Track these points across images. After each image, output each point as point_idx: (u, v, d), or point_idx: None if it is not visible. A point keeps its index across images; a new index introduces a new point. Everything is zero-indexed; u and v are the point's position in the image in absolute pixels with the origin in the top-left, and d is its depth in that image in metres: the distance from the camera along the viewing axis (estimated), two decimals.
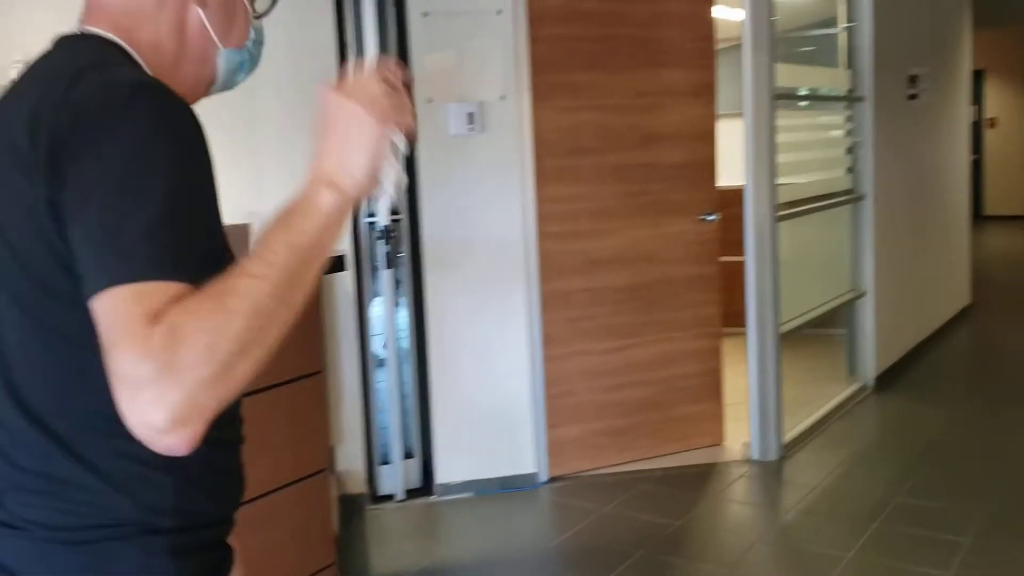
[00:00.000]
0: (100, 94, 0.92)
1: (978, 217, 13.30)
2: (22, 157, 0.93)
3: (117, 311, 0.84)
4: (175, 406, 0.81)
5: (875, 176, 5.20)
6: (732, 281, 4.36)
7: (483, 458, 3.91)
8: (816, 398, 4.93)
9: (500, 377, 3.90)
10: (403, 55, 3.72)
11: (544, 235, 3.88)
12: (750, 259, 4.15)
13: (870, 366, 5.35)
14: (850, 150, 5.18)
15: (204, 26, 1.11)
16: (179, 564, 1.01)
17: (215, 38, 1.12)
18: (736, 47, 4.28)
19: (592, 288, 4.01)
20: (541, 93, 3.82)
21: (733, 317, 4.43)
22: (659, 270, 4.13)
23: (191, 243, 0.90)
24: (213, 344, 0.83)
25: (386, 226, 3.70)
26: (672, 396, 4.23)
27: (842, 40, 5.20)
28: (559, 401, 3.99)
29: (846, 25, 5.11)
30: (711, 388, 4.31)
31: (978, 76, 12.96)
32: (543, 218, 3.87)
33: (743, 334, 4.28)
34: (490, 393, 3.89)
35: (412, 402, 3.96)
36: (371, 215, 3.75)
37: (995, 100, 13.37)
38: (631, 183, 4.03)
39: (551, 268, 3.92)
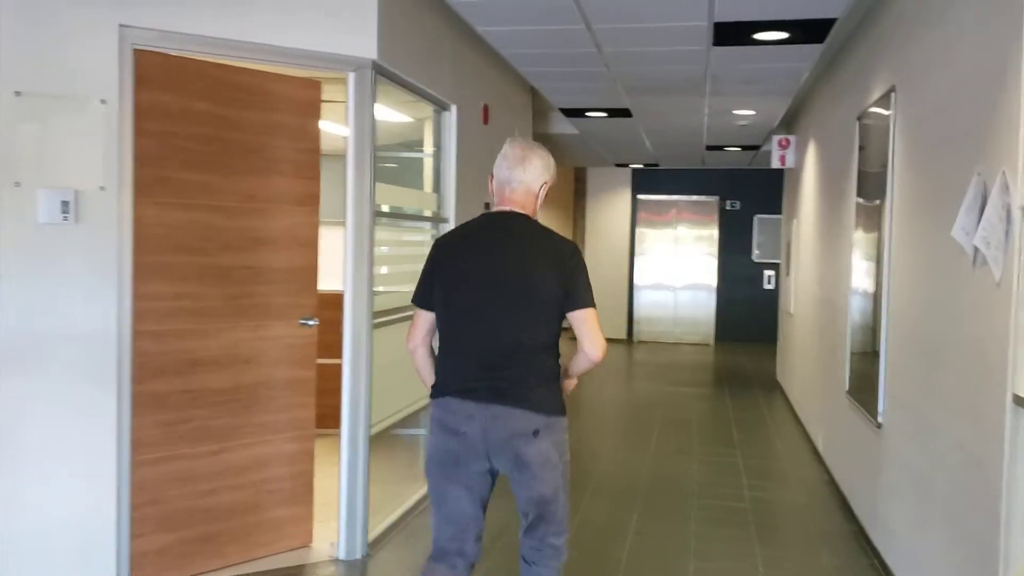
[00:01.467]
0: (568, 246, 2.92)
1: None
2: (558, 269, 2.83)
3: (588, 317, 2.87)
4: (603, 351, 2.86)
5: None
6: (326, 383, 4.50)
7: (55, 574, 3.57)
8: (397, 496, 5.19)
9: (79, 486, 3.62)
10: None
11: (140, 334, 3.74)
12: (347, 363, 4.34)
13: None
14: None
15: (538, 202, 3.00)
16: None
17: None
18: (337, 156, 4.55)
19: (190, 390, 3.92)
20: (145, 187, 3.73)
21: (325, 419, 4.56)
22: (258, 372, 4.16)
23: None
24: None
25: None
26: (264, 499, 4.23)
27: (428, 164, 5.73)
28: (146, 509, 3.80)
29: (432, 150, 5.66)
30: (302, 490, 4.37)
31: None
32: (140, 316, 3.74)
33: (334, 435, 4.42)
34: (67, 503, 3.59)
35: None
36: None
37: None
38: (234, 285, 4.05)
39: (146, 369, 3.77)
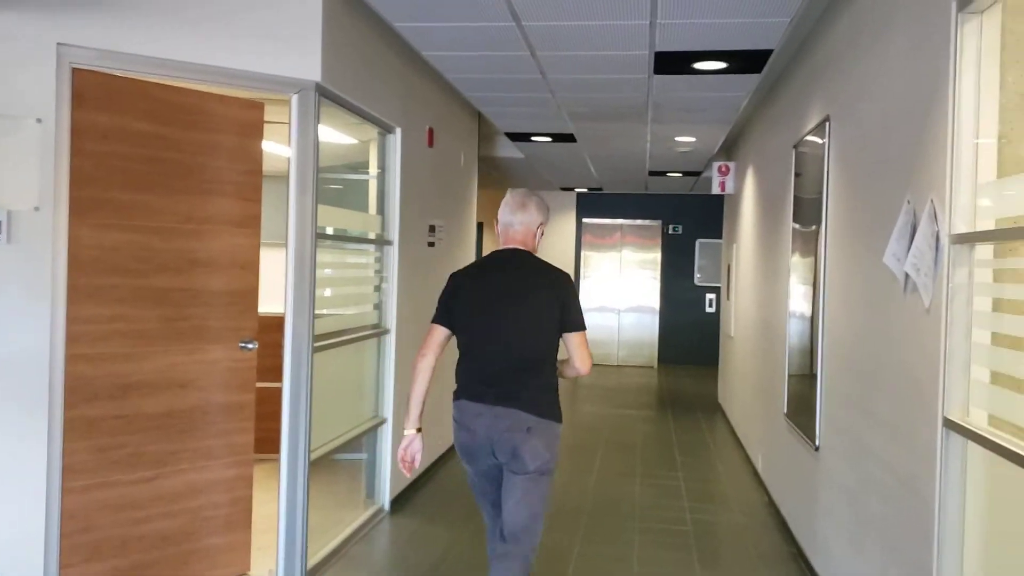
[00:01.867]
0: (563, 276, 3.52)
1: None
2: (554, 296, 3.41)
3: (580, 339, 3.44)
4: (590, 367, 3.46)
5: (398, 312, 5.71)
6: (266, 407, 4.44)
7: None
8: (337, 522, 5.13)
9: (7, 512, 3.51)
10: None
11: (73, 357, 3.65)
12: (287, 387, 4.29)
13: (386, 489, 5.72)
14: (377, 288, 5.63)
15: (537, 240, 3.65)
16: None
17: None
18: (280, 177, 4.51)
19: (123, 415, 3.83)
20: (81, 208, 3.66)
21: (265, 443, 4.49)
22: (195, 396, 4.08)
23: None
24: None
25: None
26: (200, 527, 4.14)
27: (372, 186, 5.71)
28: (76, 538, 3.69)
29: (376, 172, 5.65)
30: (240, 517, 4.29)
31: (479, 227, 14.75)
32: (73, 339, 3.65)
33: (273, 460, 4.36)
34: None
35: None
36: None
37: (490, 248, 15.32)
38: (172, 307, 3.98)
39: (79, 393, 3.68)
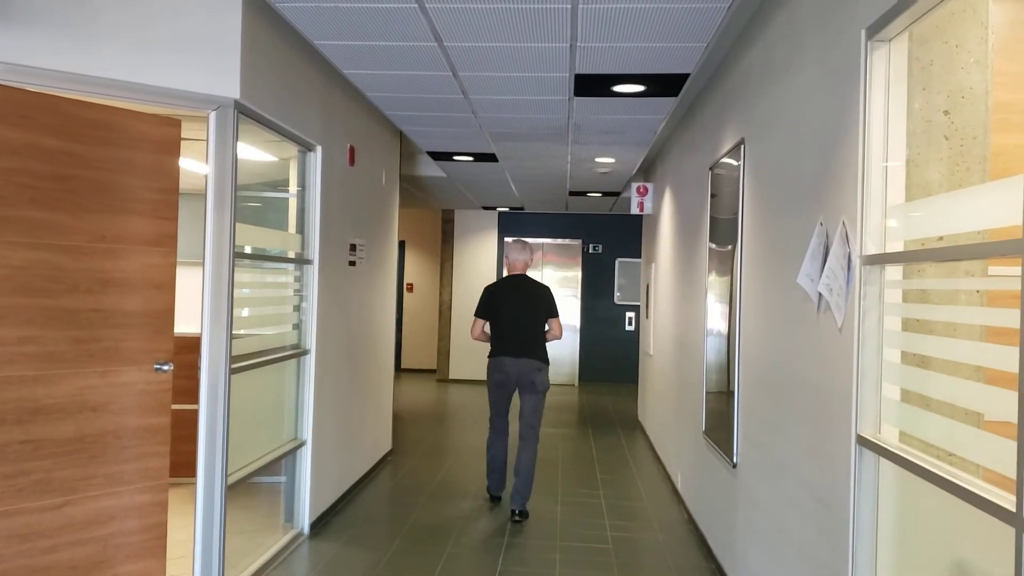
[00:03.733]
0: (547, 288, 6.49)
1: (397, 370, 14.82)
2: (543, 299, 6.41)
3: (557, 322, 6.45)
4: (561, 335, 6.49)
5: (318, 332, 5.64)
6: (181, 430, 4.33)
7: None
8: (256, 547, 5.02)
9: None
10: None
11: None
12: (204, 409, 4.19)
13: (305, 513, 5.62)
14: (297, 308, 5.55)
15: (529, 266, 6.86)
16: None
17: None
18: (196, 195, 4.42)
19: (31, 440, 3.68)
20: None
21: (181, 467, 4.37)
22: (107, 420, 3.95)
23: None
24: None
25: None
26: (112, 555, 4.00)
27: (292, 204, 5.64)
28: None
29: (296, 190, 5.58)
30: (154, 543, 4.16)
31: (401, 246, 14.70)
32: None
33: (188, 483, 4.24)
34: None
35: None
36: None
37: (412, 267, 15.26)
38: (82, 328, 3.86)
39: None
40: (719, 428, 5.05)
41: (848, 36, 2.94)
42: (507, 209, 14.51)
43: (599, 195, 11.90)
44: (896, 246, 2.67)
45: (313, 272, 5.59)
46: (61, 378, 3.79)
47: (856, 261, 2.80)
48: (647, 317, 10.21)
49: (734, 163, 4.80)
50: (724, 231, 5.10)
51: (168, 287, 4.18)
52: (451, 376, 14.49)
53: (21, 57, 3.56)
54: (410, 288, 15.16)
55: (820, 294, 3.11)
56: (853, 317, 2.80)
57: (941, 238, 2.51)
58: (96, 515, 3.93)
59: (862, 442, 2.74)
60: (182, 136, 4.24)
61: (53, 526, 3.78)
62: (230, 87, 4.13)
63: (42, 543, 3.74)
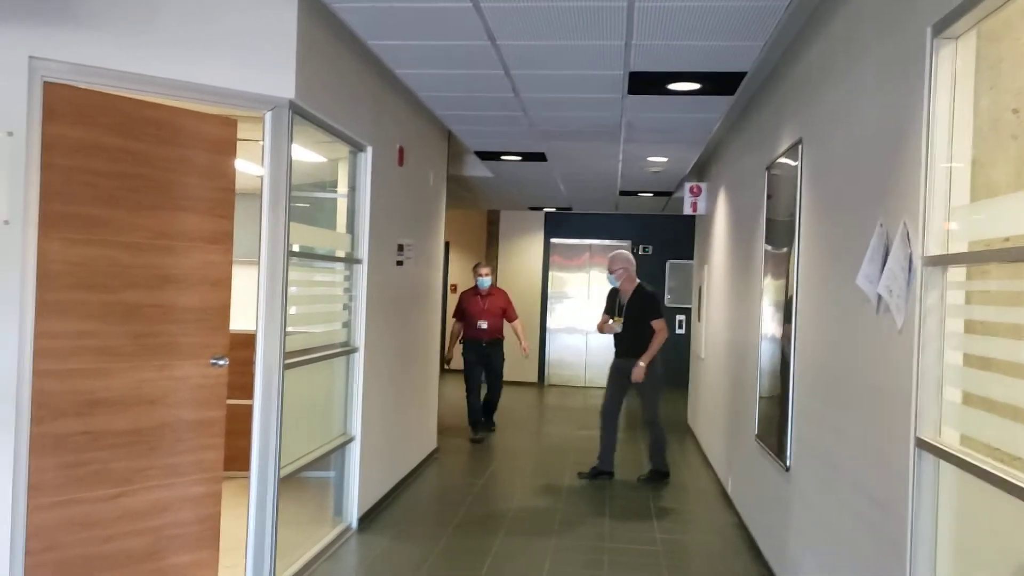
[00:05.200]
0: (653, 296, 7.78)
1: (440, 370, 14.85)
2: (649, 308, 7.53)
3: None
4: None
5: (366, 331, 5.68)
6: (235, 425, 4.39)
7: None
8: (306, 541, 5.07)
9: None
10: None
11: (40, 373, 3.59)
12: (258, 404, 4.25)
13: (354, 507, 5.67)
14: (346, 306, 5.60)
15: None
16: None
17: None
18: (251, 195, 4.48)
19: (90, 431, 3.76)
20: (50, 222, 3.61)
21: (233, 461, 4.43)
22: (164, 413, 4.02)
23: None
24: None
25: None
26: (167, 545, 4.07)
27: (341, 204, 5.69)
28: (41, 556, 3.61)
29: (346, 191, 5.63)
30: (208, 535, 4.23)
31: (445, 247, 14.72)
32: (41, 354, 3.59)
33: (240, 477, 4.30)
34: None
35: None
36: None
37: (456, 268, 15.30)
38: (141, 323, 3.93)
39: (45, 409, 3.61)
40: (772, 432, 4.99)
41: (912, 34, 2.88)
42: (554, 209, 14.48)
43: (650, 195, 11.83)
44: (959, 247, 2.61)
45: (362, 271, 5.63)
46: (120, 371, 3.86)
47: (918, 262, 2.74)
48: (699, 320, 10.12)
49: (791, 163, 4.73)
50: (780, 233, 5.04)
51: (224, 284, 4.24)
52: None
53: (83, 57, 3.63)
54: (454, 289, 15.19)
55: (879, 296, 3.06)
56: (913, 319, 2.75)
57: (1007, 239, 2.44)
58: (152, 506, 4.00)
59: (922, 445, 2.69)
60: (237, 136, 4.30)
61: (110, 516, 3.85)
62: (285, 87, 4.18)
63: (99, 532, 3.81)
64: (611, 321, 7.61)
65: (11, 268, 3.49)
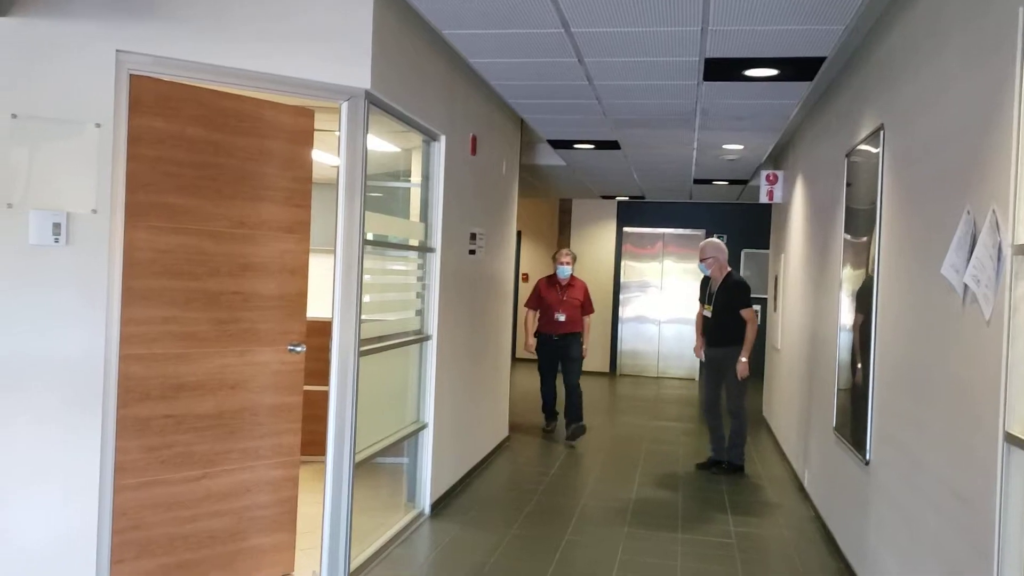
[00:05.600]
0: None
1: (512, 359, 14.91)
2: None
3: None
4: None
5: (439, 319, 5.72)
6: (311, 410, 4.47)
7: None
8: (379, 525, 5.14)
9: (62, 510, 3.56)
10: None
11: (126, 358, 3.71)
12: (333, 390, 4.32)
13: (427, 494, 5.72)
14: (420, 295, 5.65)
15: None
16: None
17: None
18: (326, 184, 4.55)
19: (174, 415, 3.87)
20: (136, 211, 3.72)
21: (309, 445, 4.52)
22: (244, 398, 4.12)
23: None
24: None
25: None
26: (246, 526, 4.17)
27: (414, 194, 5.74)
28: (127, 535, 3.74)
29: (420, 181, 5.67)
30: (286, 517, 4.32)
31: (517, 236, 14.75)
32: (127, 340, 3.71)
33: (317, 462, 4.38)
34: (49, 527, 3.54)
35: None
36: None
37: (528, 257, 15.31)
38: (222, 310, 4.02)
39: (131, 393, 3.73)
40: (851, 425, 4.88)
41: (1001, 13, 2.78)
42: (627, 198, 14.37)
43: (725, 183, 11.66)
44: None
45: (435, 260, 5.67)
46: (202, 356, 3.97)
47: (1007, 251, 2.65)
48: (775, 310, 9.95)
49: (872, 150, 4.61)
50: (860, 221, 4.92)
51: (302, 272, 4.32)
52: None
53: (166, 50, 3.73)
54: (525, 278, 15.20)
55: (966, 285, 2.96)
56: (1002, 309, 2.66)
57: None
58: (233, 488, 4.10)
59: (1011, 440, 2.60)
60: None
61: (193, 497, 3.96)
62: (361, 78, 4.22)
63: (183, 512, 3.93)
64: (698, 345, 7.75)
65: (99, 256, 3.60)
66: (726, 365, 7.29)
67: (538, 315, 8.67)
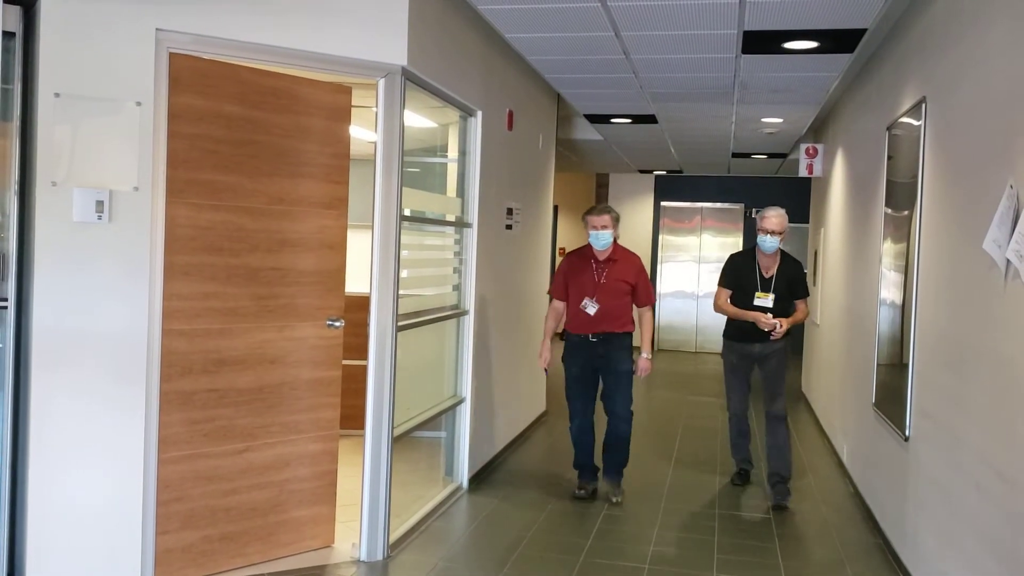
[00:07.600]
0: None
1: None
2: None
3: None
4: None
5: (476, 294, 5.74)
6: (349, 384, 4.52)
7: (83, 567, 3.61)
8: (418, 499, 5.20)
9: (108, 482, 3.66)
10: (27, 133, 3.49)
11: (169, 333, 3.78)
12: (372, 365, 4.36)
13: (464, 467, 5.77)
14: (456, 270, 5.67)
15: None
16: None
17: None
18: (363, 161, 4.57)
19: (216, 389, 3.95)
20: (176, 188, 3.77)
21: (348, 419, 4.57)
22: (284, 372, 4.18)
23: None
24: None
25: None
26: (287, 499, 4.25)
27: (451, 169, 5.74)
28: (171, 507, 3.83)
29: (456, 155, 5.67)
30: (325, 490, 4.39)
31: (554, 211, 14.70)
32: (169, 315, 3.77)
33: (356, 436, 4.44)
34: (96, 498, 3.63)
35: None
36: None
37: (565, 231, 15.27)
38: (262, 285, 4.08)
39: (174, 367, 3.80)
40: (891, 400, 4.84)
41: None
42: (664, 172, 14.27)
43: (764, 157, 11.53)
44: None
45: (472, 235, 5.68)
46: (243, 331, 4.03)
47: None
48: (814, 284, 9.85)
49: (914, 123, 4.53)
50: (901, 195, 4.84)
51: (339, 247, 4.35)
52: None
53: (205, 28, 3.76)
54: (562, 252, 15.18)
55: (1008, 261, 2.91)
56: None
57: None
58: (273, 461, 4.17)
59: None
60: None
61: (235, 470, 4.04)
62: (398, 54, 4.23)
63: (225, 485, 4.01)
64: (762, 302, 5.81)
65: (141, 232, 3.66)
66: (781, 362, 5.85)
67: (564, 309, 5.73)
